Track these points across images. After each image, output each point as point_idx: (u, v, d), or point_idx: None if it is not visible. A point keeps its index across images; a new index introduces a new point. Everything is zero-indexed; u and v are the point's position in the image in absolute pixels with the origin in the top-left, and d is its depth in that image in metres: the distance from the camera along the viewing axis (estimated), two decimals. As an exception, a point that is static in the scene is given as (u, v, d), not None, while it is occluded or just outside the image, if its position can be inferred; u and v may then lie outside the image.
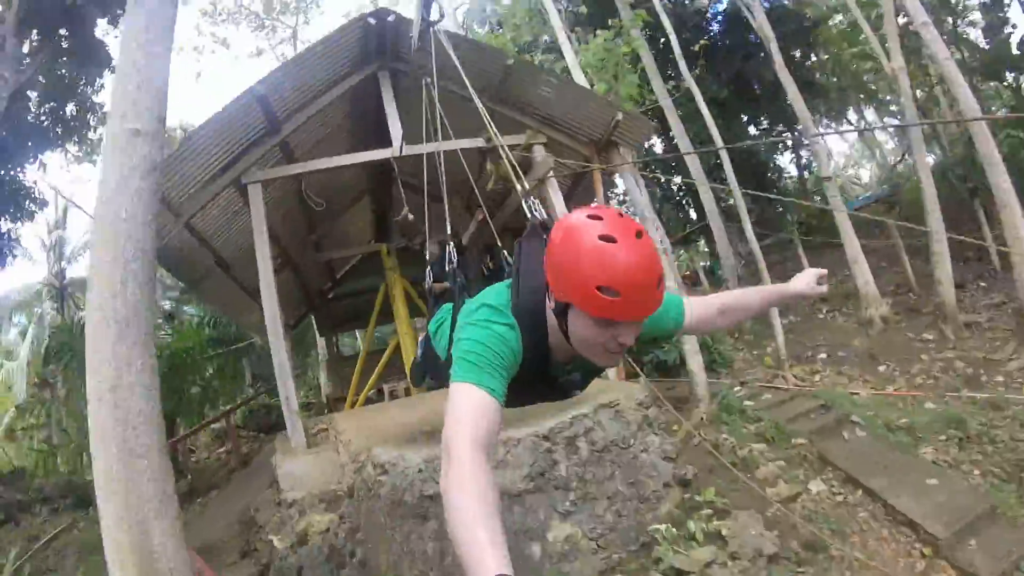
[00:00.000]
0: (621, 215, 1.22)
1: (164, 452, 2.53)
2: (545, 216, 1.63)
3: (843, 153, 38.79)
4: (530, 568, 3.82)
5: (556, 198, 6.60)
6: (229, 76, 50.77)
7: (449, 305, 2.01)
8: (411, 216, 6.50)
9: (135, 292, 2.51)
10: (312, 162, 6.65)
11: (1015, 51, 17.41)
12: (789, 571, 4.31)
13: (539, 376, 1.42)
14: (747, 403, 7.01)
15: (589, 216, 1.22)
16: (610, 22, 10.42)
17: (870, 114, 27.46)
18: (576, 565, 4.01)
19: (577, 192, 7.92)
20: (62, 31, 10.98)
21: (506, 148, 5.27)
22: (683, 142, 13.65)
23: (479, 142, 6.44)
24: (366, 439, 4.52)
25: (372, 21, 6.40)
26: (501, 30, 13.82)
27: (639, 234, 1.19)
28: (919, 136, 11.87)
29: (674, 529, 4.33)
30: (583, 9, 12.94)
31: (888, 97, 23.73)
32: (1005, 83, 19.30)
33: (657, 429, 4.87)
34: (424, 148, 5.33)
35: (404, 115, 6.65)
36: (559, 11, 10.12)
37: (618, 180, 9.41)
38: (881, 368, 9.09)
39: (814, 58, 21.01)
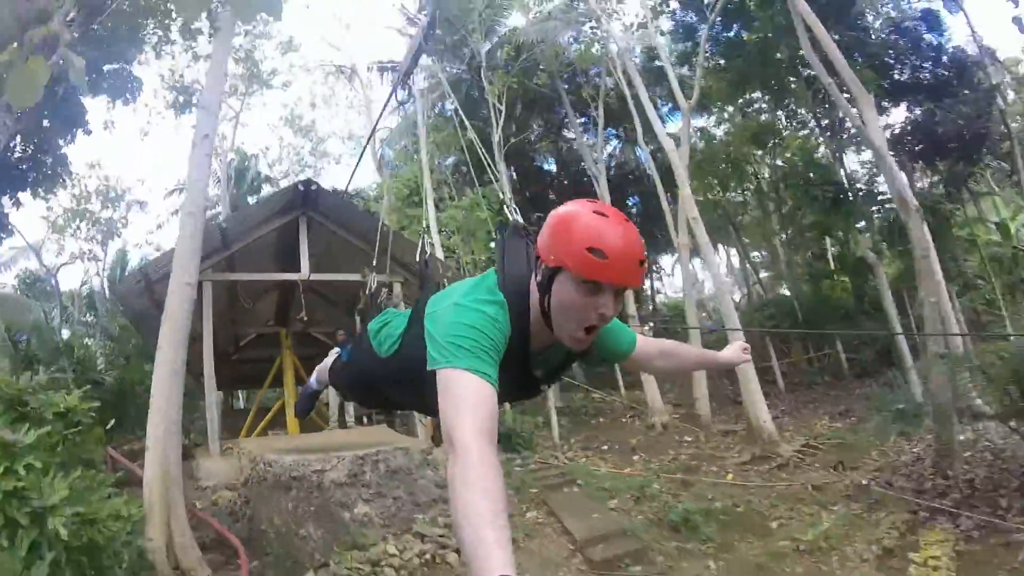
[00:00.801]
0: (617, 211, 1.44)
1: (180, 408, 6.05)
2: (521, 218, 1.97)
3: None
4: (341, 524, 7.38)
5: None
6: (172, 140, 54.49)
7: (392, 310, 2.11)
8: (306, 318, 10.14)
9: (181, 336, 6.12)
10: (249, 274, 10.30)
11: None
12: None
13: (519, 363, 1.50)
14: (516, 468, 10.88)
15: (587, 200, 1.48)
16: (470, 192, 14.79)
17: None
18: (371, 530, 7.59)
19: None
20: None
21: (372, 284, 9.13)
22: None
23: (357, 276, 10.30)
24: (260, 450, 8.04)
25: (301, 188, 10.26)
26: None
27: (627, 220, 1.42)
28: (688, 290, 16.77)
29: (427, 519, 8.02)
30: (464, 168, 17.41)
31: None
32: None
33: (434, 468, 8.62)
34: (324, 276, 9.05)
35: (312, 247, 10.42)
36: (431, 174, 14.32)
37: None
38: (635, 457, 13.21)
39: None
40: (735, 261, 33.63)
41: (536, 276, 1.49)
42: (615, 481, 10.79)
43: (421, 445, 8.85)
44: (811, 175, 20.06)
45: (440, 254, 14.41)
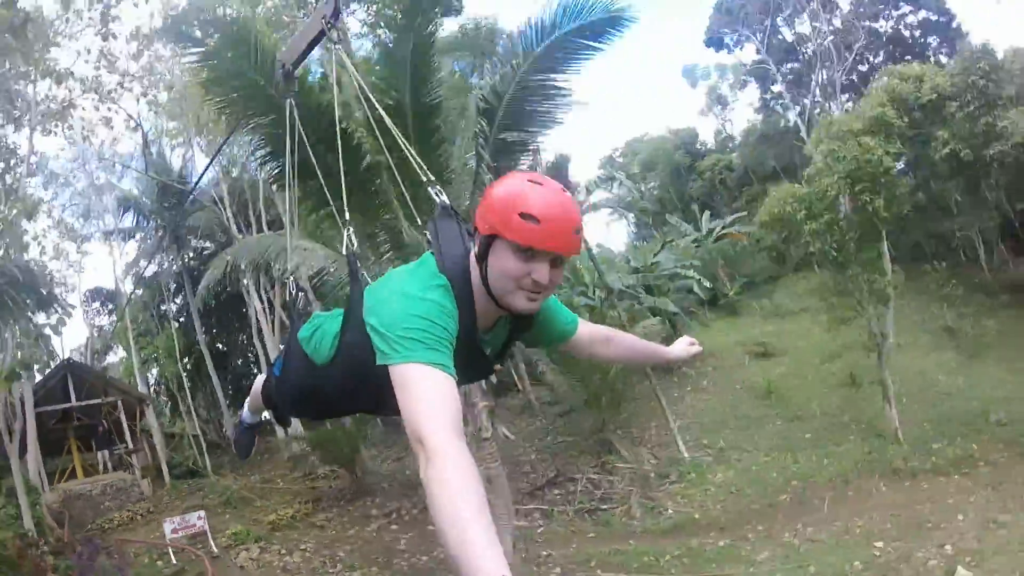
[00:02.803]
0: (554, 181, 1.60)
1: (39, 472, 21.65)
2: (448, 201, 1.98)
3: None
4: (101, 510, 23.34)
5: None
6: None
7: (321, 313, 2.23)
8: (77, 421, 25.70)
9: (33, 446, 21.84)
10: (50, 406, 25.59)
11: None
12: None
13: (469, 343, 1.62)
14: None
15: (520, 172, 1.70)
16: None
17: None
18: (112, 512, 23.69)
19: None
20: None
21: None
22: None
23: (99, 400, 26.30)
24: (65, 487, 23.84)
25: (66, 362, 25.86)
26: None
27: (564, 190, 1.57)
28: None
29: (133, 506, 24.23)
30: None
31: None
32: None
33: (138, 487, 24.75)
34: (84, 403, 24.90)
35: (76, 387, 25.78)
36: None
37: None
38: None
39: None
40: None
41: (475, 247, 1.63)
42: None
43: (130, 478, 24.84)
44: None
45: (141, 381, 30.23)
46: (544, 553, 13.75)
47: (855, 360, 20.13)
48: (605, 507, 16.08)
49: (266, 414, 2.91)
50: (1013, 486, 13.53)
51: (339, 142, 3.72)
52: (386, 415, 2.28)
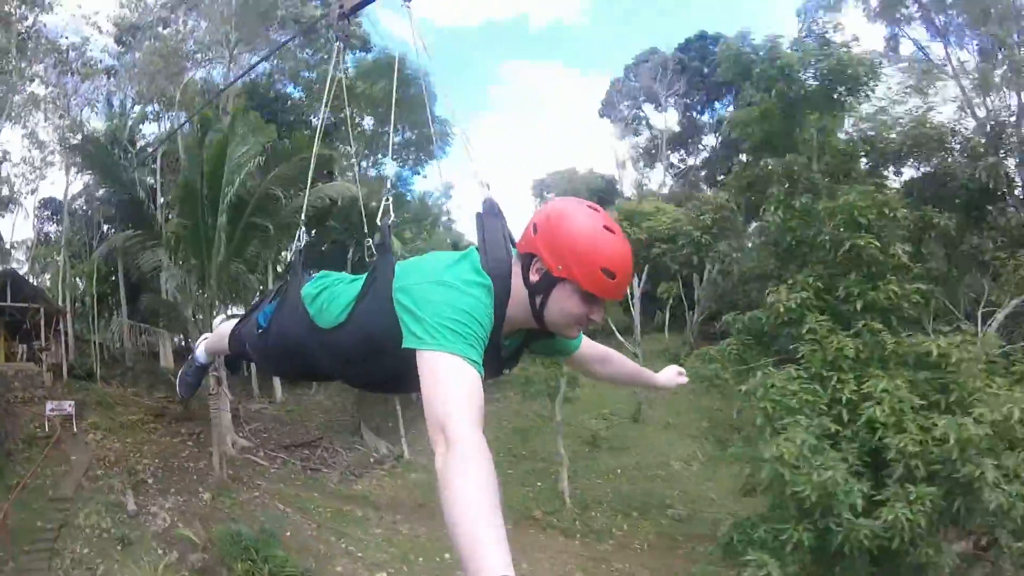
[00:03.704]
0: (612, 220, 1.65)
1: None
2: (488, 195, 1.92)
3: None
4: (11, 389, 32.40)
5: None
6: None
7: (329, 273, 2.17)
8: (7, 317, 34.57)
9: None
10: None
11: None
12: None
13: (490, 347, 1.62)
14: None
15: (589, 207, 1.69)
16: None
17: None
18: (20, 391, 32.82)
19: None
20: None
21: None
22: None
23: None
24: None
25: (9, 272, 34.72)
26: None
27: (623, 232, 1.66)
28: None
29: (36, 391, 33.32)
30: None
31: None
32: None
33: (41, 376, 33.86)
34: (14, 304, 33.97)
35: (14, 291, 34.69)
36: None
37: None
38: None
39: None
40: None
41: (531, 275, 1.68)
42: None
43: (37, 368, 33.72)
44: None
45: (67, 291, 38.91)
46: (259, 483, 21.73)
47: (619, 425, 24.36)
48: (325, 469, 22.69)
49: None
50: (606, 564, 16.71)
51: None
52: (378, 392, 2.40)
